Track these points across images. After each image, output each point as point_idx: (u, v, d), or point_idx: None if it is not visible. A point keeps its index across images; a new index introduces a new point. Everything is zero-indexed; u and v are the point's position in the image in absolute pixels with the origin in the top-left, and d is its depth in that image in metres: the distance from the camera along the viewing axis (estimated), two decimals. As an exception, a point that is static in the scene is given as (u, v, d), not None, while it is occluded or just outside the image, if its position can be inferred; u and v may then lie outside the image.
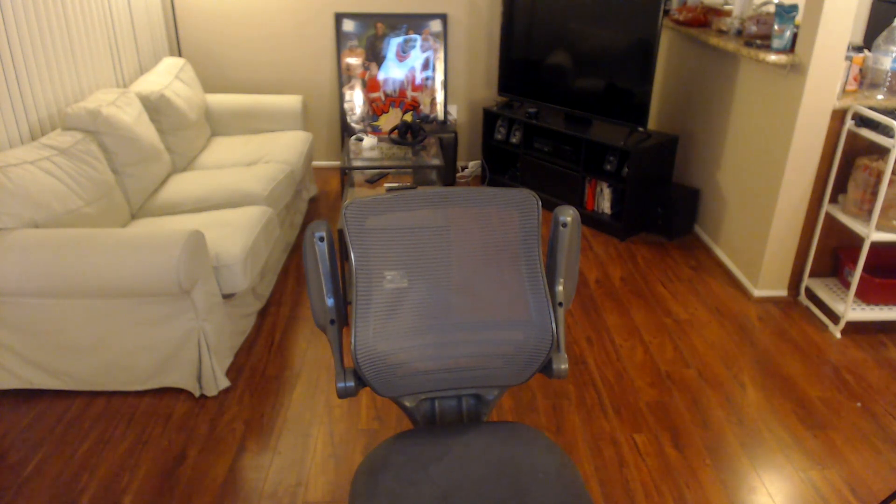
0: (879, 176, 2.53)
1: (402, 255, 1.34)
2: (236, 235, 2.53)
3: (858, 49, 2.74)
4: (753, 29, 2.99)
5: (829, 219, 2.85)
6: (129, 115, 2.90)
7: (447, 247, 1.36)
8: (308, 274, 1.34)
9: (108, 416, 2.26)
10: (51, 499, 1.93)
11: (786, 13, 2.74)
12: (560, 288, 1.43)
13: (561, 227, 1.35)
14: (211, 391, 2.34)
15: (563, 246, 1.36)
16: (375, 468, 1.25)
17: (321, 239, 1.30)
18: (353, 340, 1.33)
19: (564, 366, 1.39)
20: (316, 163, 4.49)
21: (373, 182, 3.47)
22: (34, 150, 2.42)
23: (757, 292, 3.05)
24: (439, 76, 4.34)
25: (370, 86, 4.33)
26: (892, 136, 2.43)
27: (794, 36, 2.75)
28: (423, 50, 4.29)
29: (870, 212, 2.58)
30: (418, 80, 4.34)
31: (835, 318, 2.80)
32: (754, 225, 3.06)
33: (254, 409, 2.30)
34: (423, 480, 1.23)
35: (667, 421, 2.28)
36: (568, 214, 1.35)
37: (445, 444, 1.32)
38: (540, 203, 1.36)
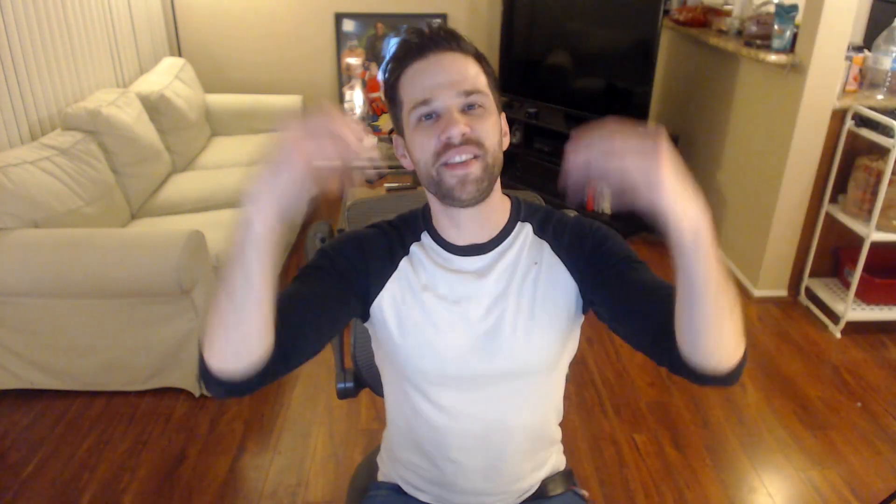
0: (879, 176, 2.53)
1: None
2: (236, 235, 2.52)
3: (858, 49, 2.74)
4: (753, 29, 2.99)
5: (829, 219, 2.85)
6: (129, 115, 2.90)
7: (446, 247, 1.36)
8: None
9: (108, 416, 2.26)
10: (51, 499, 1.93)
11: (786, 13, 2.73)
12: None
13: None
14: (211, 391, 2.34)
15: None
16: (375, 468, 1.25)
17: (322, 240, 1.30)
18: (352, 341, 1.33)
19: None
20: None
21: (373, 182, 3.46)
22: (34, 150, 2.42)
23: (757, 292, 3.05)
24: (439, 76, 4.34)
25: (370, 86, 4.33)
26: (892, 136, 2.43)
27: (794, 36, 2.74)
28: (423, 50, 4.29)
29: (870, 212, 2.58)
30: (418, 80, 4.34)
31: (835, 318, 2.80)
32: (754, 225, 3.06)
33: (254, 409, 2.30)
34: (423, 480, 1.22)
35: (667, 421, 2.28)
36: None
37: (445, 444, 1.31)
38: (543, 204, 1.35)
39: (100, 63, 3.21)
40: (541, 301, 0.99)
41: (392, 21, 4.22)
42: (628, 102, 3.53)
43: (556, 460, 1.17)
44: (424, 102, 0.90)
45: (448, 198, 0.93)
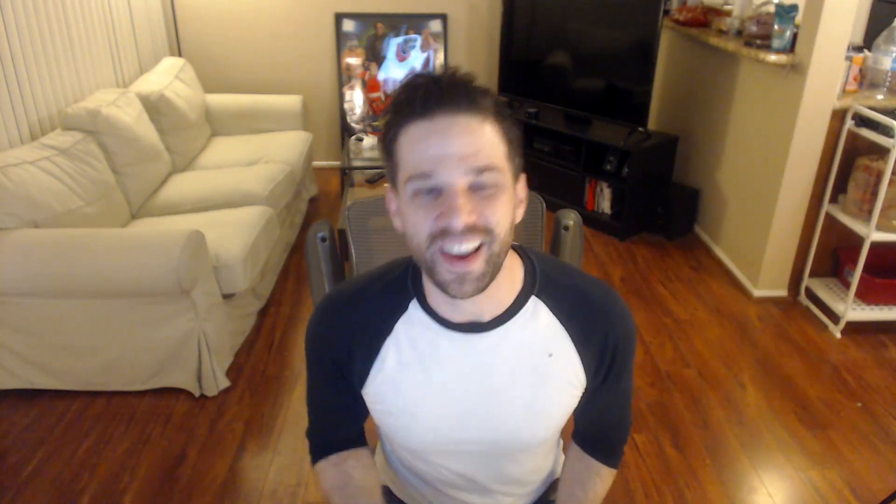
0: (879, 176, 2.53)
1: (404, 254, 1.34)
2: (236, 235, 2.53)
3: (858, 49, 2.74)
4: (753, 29, 2.99)
5: (829, 219, 2.85)
6: (129, 115, 2.90)
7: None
8: (311, 274, 1.34)
9: (108, 416, 2.26)
10: (51, 499, 1.93)
11: (786, 13, 2.73)
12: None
13: (563, 231, 1.34)
14: (211, 391, 2.34)
15: (564, 249, 1.36)
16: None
17: (323, 239, 1.30)
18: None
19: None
20: (316, 163, 4.48)
21: (373, 182, 3.47)
22: (34, 150, 2.42)
23: (757, 292, 3.05)
24: (439, 76, 4.33)
25: (370, 86, 4.33)
26: (892, 136, 2.43)
27: (794, 36, 2.74)
28: (423, 50, 4.29)
29: (870, 212, 2.58)
30: (418, 80, 4.33)
31: (835, 318, 2.80)
32: (754, 225, 3.06)
33: (254, 409, 2.30)
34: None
35: (667, 421, 2.28)
36: (570, 218, 1.33)
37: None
38: (545, 205, 1.35)
39: (100, 63, 3.21)
40: (550, 393, 0.92)
41: (392, 21, 4.22)
42: (628, 102, 3.53)
43: (555, 467, 1.16)
44: (424, 176, 0.76)
45: (441, 289, 0.81)
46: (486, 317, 0.88)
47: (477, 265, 0.77)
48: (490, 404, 0.91)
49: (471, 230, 0.76)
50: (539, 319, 0.90)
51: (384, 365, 0.92)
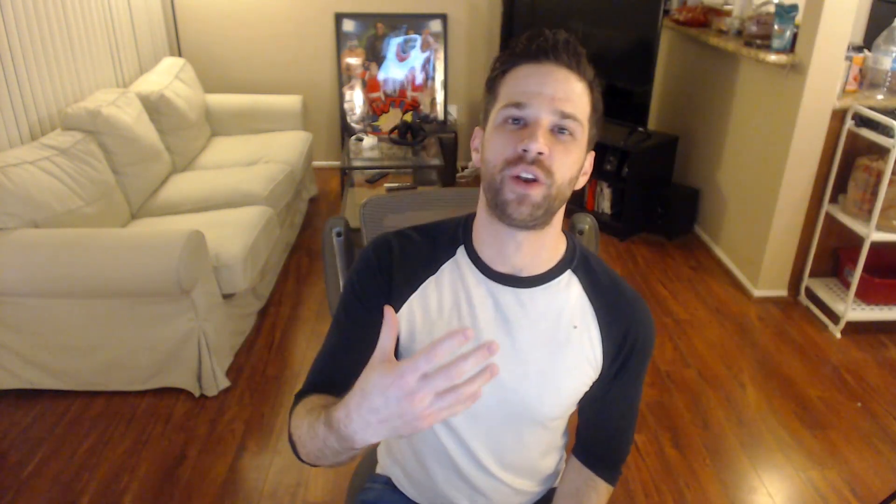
0: (879, 176, 2.53)
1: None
2: (236, 235, 2.53)
3: (858, 49, 2.74)
4: (753, 29, 2.99)
5: (829, 219, 2.85)
6: (129, 115, 2.90)
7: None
8: (326, 267, 1.36)
9: (108, 416, 2.26)
10: (51, 499, 1.93)
11: (786, 13, 2.73)
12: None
13: (577, 235, 1.34)
14: (211, 391, 2.34)
15: None
16: (375, 461, 1.25)
17: (338, 234, 1.31)
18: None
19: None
20: (316, 163, 4.48)
21: (373, 182, 3.47)
22: (34, 150, 2.42)
23: (757, 292, 3.05)
24: (439, 76, 4.34)
25: (370, 86, 4.33)
26: (892, 136, 2.43)
27: (794, 36, 2.74)
28: (423, 50, 4.29)
29: (870, 212, 2.58)
30: (418, 80, 4.34)
31: (835, 318, 2.80)
32: (754, 225, 3.06)
33: (254, 409, 2.30)
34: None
35: (667, 421, 2.28)
36: (585, 222, 1.33)
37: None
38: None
39: (100, 63, 3.21)
40: (566, 366, 0.96)
41: (392, 21, 4.22)
42: (628, 102, 3.53)
43: (558, 467, 1.16)
44: (518, 105, 0.86)
45: (500, 210, 0.87)
46: (525, 273, 0.95)
47: (536, 192, 0.86)
48: (507, 363, 0.94)
49: (539, 164, 0.85)
50: (571, 292, 0.97)
51: (424, 303, 0.96)
